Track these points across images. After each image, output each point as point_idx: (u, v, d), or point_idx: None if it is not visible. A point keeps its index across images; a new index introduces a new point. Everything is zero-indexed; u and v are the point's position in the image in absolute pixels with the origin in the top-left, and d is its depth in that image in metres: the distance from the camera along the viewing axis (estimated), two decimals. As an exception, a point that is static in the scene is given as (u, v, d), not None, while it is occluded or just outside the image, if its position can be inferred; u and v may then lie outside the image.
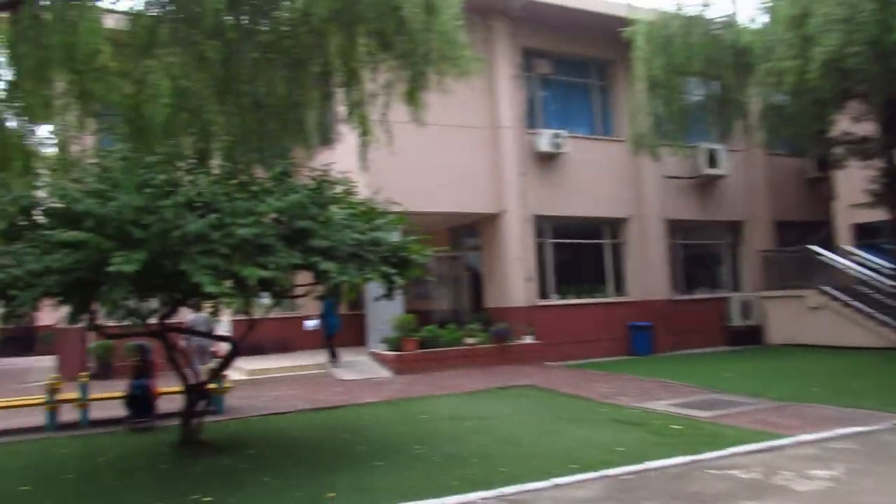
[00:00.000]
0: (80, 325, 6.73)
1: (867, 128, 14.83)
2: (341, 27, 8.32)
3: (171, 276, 5.92)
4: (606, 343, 16.94)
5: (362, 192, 9.88)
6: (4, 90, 8.98)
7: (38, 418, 9.68)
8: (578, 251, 18.18)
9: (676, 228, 18.75)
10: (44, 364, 19.68)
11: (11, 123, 9.36)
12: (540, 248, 16.99)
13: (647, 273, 17.83)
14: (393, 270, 7.37)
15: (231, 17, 7.34)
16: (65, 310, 6.24)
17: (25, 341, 26.05)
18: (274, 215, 7.13)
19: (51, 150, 10.56)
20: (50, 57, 8.26)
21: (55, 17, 7.86)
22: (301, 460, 7.25)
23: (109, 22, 9.17)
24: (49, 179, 5.93)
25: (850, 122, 14.92)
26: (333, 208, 7.84)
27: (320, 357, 15.09)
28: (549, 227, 17.26)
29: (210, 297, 5.81)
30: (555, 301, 16.89)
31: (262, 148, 7.71)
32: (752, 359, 15.40)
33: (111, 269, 5.26)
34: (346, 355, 15.58)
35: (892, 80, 11.30)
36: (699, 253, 19.92)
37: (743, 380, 11.91)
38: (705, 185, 18.77)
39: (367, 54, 8.99)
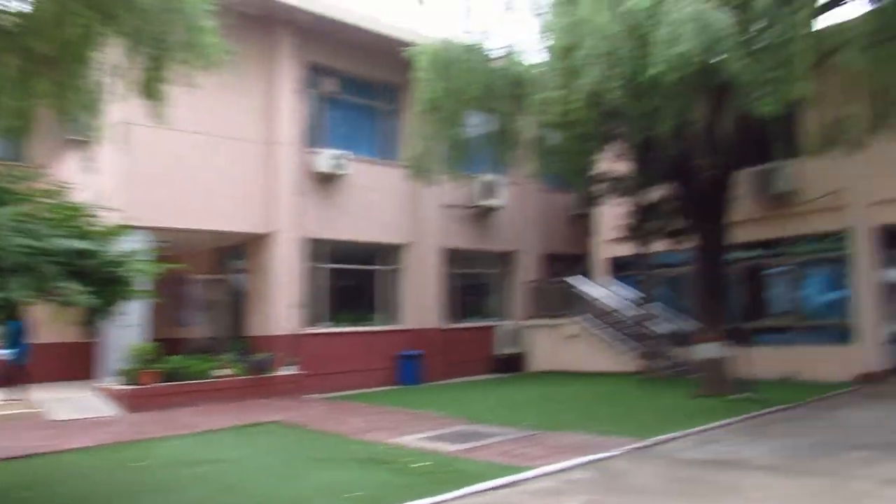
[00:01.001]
0: None
1: (625, 167, 15.72)
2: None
3: None
4: (376, 373, 16.23)
5: (89, 198, 8.24)
6: None
7: None
8: (356, 277, 17.40)
9: (453, 257, 18.65)
10: None
11: None
12: (315, 274, 15.94)
13: (422, 301, 17.48)
14: (82, 287, 5.90)
15: None
16: None
17: None
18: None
19: None
20: None
21: None
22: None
23: None
24: None
25: (611, 162, 15.70)
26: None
27: (37, 393, 12.66)
28: (327, 252, 16.28)
29: None
30: (322, 329, 15.87)
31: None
32: (513, 386, 15.52)
33: None
34: (70, 390, 13.29)
35: (647, 120, 11.74)
36: (473, 282, 19.99)
37: (500, 408, 11.73)
38: (482, 216, 18.93)
39: (83, 26, 7.51)
